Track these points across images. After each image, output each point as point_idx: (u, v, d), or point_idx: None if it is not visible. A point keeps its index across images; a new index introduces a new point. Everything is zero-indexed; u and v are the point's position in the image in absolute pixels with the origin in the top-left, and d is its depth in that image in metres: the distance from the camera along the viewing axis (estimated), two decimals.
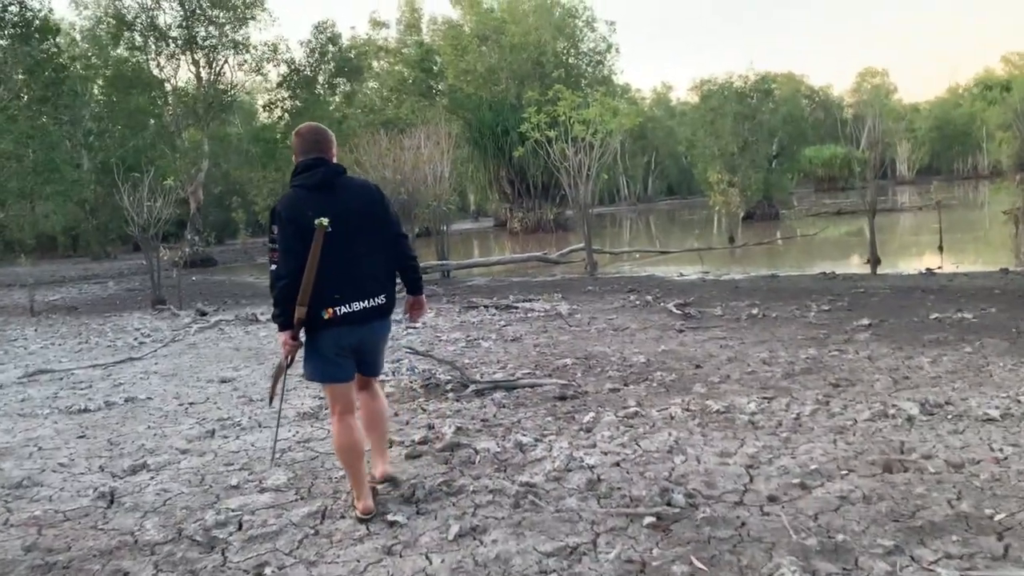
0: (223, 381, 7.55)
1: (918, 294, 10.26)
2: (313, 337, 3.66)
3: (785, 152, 34.17)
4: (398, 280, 3.92)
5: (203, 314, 13.48)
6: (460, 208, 49.59)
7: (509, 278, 17.26)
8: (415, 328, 10.23)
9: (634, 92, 66.72)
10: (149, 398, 7.01)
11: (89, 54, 33.30)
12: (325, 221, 3.53)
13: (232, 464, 4.86)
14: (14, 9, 22.22)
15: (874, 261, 13.78)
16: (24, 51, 21.73)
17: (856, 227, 27.61)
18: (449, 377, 6.74)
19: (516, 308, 11.18)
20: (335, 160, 3.81)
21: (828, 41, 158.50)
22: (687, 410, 5.33)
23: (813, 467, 4.00)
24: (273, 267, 3.60)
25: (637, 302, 11.18)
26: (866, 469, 3.96)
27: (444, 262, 18.04)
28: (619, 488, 3.94)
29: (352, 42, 38.56)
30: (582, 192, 16.27)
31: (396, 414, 5.85)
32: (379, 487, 4.09)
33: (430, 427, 5.33)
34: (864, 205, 14.40)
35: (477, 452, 4.69)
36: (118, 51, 32.50)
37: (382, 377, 7.00)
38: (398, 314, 5.34)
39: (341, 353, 3.69)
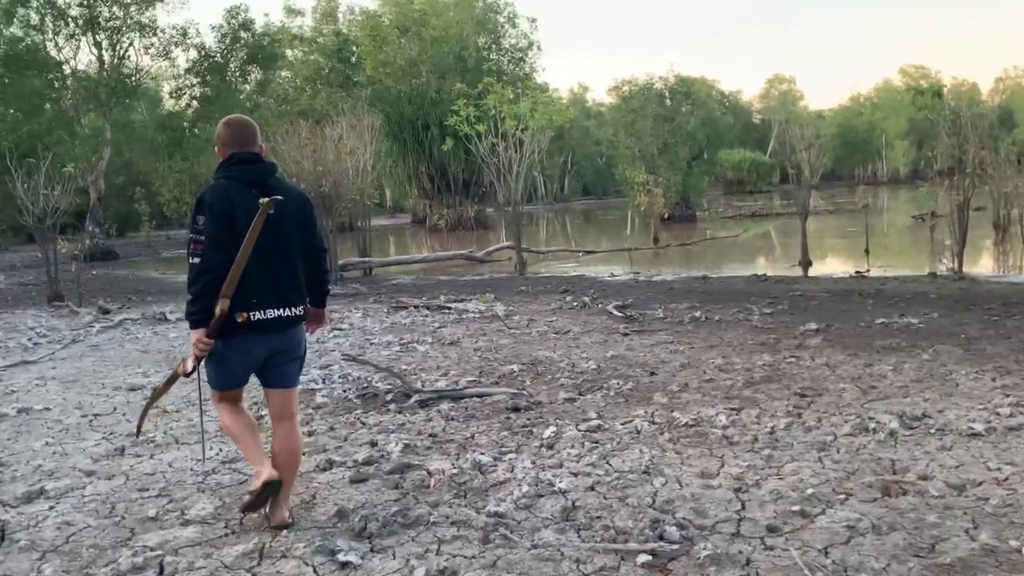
0: (132, 389, 6.81)
1: (856, 298, 10.23)
2: (219, 343, 3.40)
3: (703, 154, 34.59)
4: None
5: (105, 312, 12.48)
6: (377, 204, 48.57)
7: (435, 277, 16.71)
8: (340, 330, 9.63)
9: (551, 91, 66.65)
10: (46, 408, 6.23)
11: None
12: (272, 201, 3.35)
13: (147, 490, 4.24)
14: None
15: (805, 263, 13.84)
16: None
17: (764, 229, 28.13)
18: (388, 386, 6.21)
19: (449, 309, 10.68)
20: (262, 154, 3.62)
21: (738, 47, 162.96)
22: (653, 423, 4.97)
23: (808, 491, 3.66)
24: (195, 260, 3.34)
25: (575, 303, 10.83)
26: (864, 493, 3.65)
27: (366, 259, 17.34)
28: (599, 517, 3.52)
29: (266, 29, 37.10)
30: (511, 189, 15.85)
31: (332, 428, 5.29)
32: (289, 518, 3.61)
33: (373, 444, 4.82)
34: (778, 209, 14.40)
35: (431, 474, 4.20)
36: (11, 30, 30.38)
37: (312, 386, 6.45)
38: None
39: (246, 363, 3.51)
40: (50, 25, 28.94)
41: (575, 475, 4.07)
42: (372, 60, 38.12)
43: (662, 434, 4.73)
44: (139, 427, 4.03)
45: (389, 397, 5.91)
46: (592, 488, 3.88)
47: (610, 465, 4.22)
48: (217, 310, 3.29)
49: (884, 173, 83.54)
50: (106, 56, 29.51)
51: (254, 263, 3.34)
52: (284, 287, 3.46)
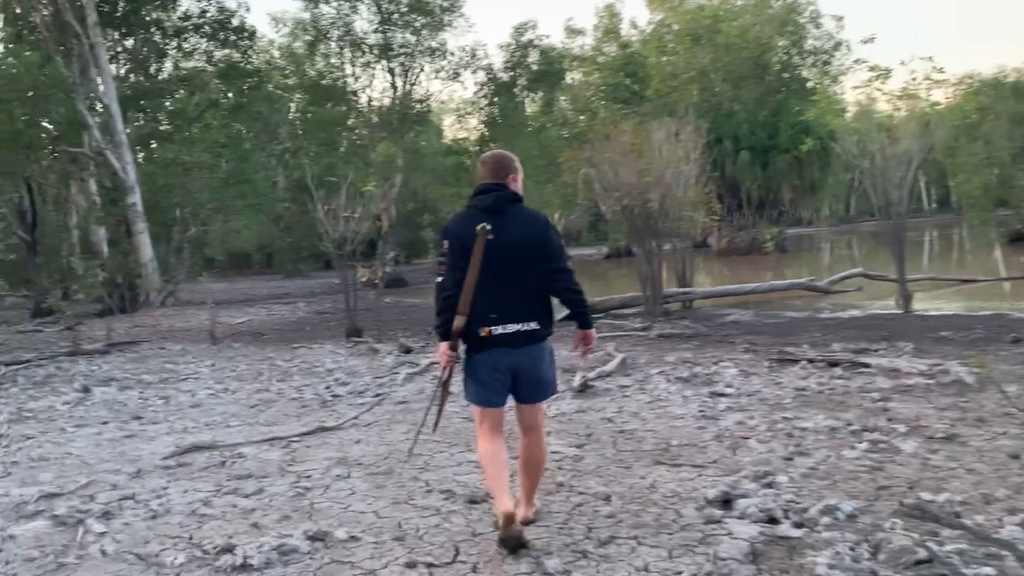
0: (472, 501, 4.36)
1: None
2: (470, 359, 3.77)
3: None
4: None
5: (407, 351, 10.67)
6: None
7: (781, 313, 13.37)
8: (722, 395, 6.76)
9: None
10: (352, 538, 3.92)
11: (286, 71, 32.57)
12: (488, 227, 3.65)
13: None
14: (212, 11, 20.98)
15: None
16: (221, 55, 20.34)
17: None
18: (952, 545, 3.15)
19: (867, 366, 7.42)
20: (518, 184, 3.91)
21: None
22: None
23: None
24: (439, 279, 3.78)
25: None
26: None
27: (687, 290, 14.44)
28: None
29: (546, 49, 35.90)
30: (895, 198, 12.16)
31: None
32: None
33: None
34: None
35: None
36: (315, 66, 31.58)
37: (784, 531, 3.63)
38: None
39: (496, 377, 3.74)
40: (348, 55, 29.44)
41: None
42: (659, 73, 35.47)
43: None
44: (436, 423, 4.14)
45: None
46: None
47: None
48: (454, 327, 3.67)
49: None
50: (398, 83, 29.55)
51: (489, 283, 3.66)
52: (519, 305, 3.70)
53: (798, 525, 3.76)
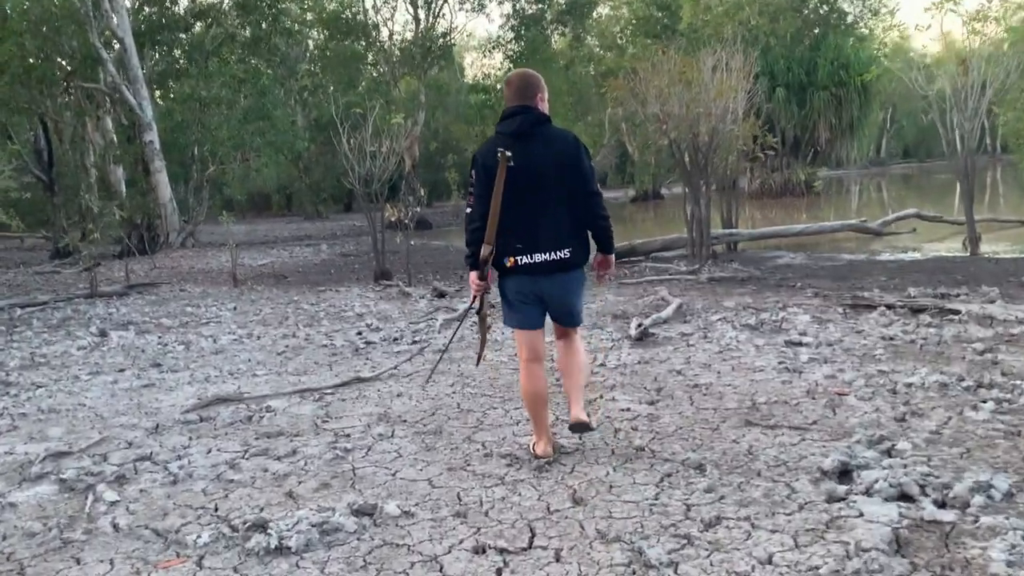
0: (539, 470, 3.74)
1: None
2: (500, 284, 3.81)
3: None
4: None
5: (441, 295, 10.03)
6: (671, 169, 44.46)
7: (836, 255, 12.58)
8: (799, 345, 6.09)
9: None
10: (406, 513, 3.32)
11: (304, 5, 31.41)
12: (508, 154, 3.57)
13: None
14: None
15: None
16: None
17: None
18: None
19: (957, 313, 6.70)
20: (545, 104, 3.78)
21: None
22: None
23: None
24: (468, 211, 3.75)
25: None
26: None
27: (733, 231, 13.66)
28: None
29: None
30: (967, 131, 11.22)
31: None
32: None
33: None
34: None
35: None
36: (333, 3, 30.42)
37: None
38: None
39: (525, 300, 3.75)
40: None
41: None
42: (692, 6, 33.95)
43: None
44: (479, 357, 4.23)
45: None
46: None
47: None
48: (481, 255, 3.65)
49: None
50: (421, 15, 28.40)
51: (516, 211, 3.60)
52: (550, 232, 3.63)
53: (941, 504, 3.12)
